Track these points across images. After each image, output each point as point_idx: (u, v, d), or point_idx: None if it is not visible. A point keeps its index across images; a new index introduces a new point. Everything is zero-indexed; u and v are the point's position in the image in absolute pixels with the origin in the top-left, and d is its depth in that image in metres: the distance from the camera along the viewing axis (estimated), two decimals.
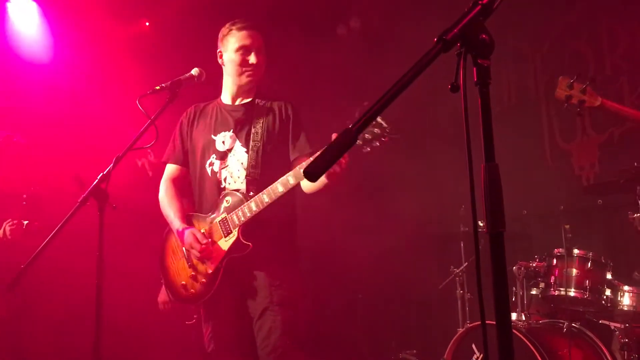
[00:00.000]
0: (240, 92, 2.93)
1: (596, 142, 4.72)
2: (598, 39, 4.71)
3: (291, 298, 2.72)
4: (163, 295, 3.74)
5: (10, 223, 3.59)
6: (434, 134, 5.11)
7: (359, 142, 2.36)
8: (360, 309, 5.09)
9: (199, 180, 2.87)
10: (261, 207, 2.62)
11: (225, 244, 2.71)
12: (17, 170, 3.81)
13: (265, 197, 2.60)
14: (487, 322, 3.38)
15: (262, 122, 2.82)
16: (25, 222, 3.59)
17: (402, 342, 4.94)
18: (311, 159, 2.24)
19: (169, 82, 2.69)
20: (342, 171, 2.42)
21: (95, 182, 2.47)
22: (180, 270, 2.84)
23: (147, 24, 4.94)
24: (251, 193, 2.70)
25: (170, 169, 2.98)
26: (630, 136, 4.50)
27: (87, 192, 2.47)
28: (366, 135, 2.39)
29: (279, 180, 2.58)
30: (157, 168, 4.19)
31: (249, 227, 2.68)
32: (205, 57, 3.09)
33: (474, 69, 1.15)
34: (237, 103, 2.94)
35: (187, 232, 2.74)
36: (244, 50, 2.84)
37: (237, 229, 2.67)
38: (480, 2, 1.13)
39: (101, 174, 2.50)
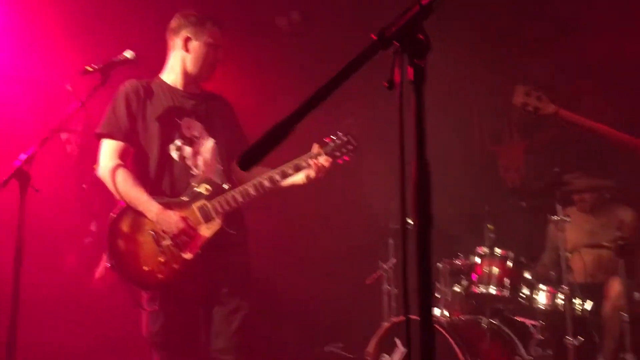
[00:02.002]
0: (193, 81, 2.90)
1: (522, 146, 4.93)
2: (526, 46, 4.91)
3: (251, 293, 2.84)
4: (101, 272, 3.58)
5: None
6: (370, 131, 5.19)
7: (328, 155, 2.77)
8: (287, 302, 5.10)
9: (159, 162, 2.76)
10: (246, 199, 2.72)
11: (206, 230, 2.69)
12: None
13: (252, 190, 2.71)
14: (411, 317, 3.45)
15: (219, 115, 2.91)
16: None
17: (328, 335, 4.99)
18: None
19: (102, 65, 2.60)
20: (324, 174, 2.76)
21: (17, 164, 2.37)
22: (145, 255, 2.67)
23: None
24: (225, 185, 2.76)
25: (117, 146, 2.76)
26: (554, 142, 4.73)
27: (10, 175, 2.36)
28: (335, 152, 2.77)
29: (266, 175, 2.72)
30: (84, 149, 4.03)
31: (227, 216, 2.74)
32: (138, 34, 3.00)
33: (410, 68, 1.16)
34: (188, 90, 2.90)
35: (173, 216, 2.65)
36: (216, 47, 2.87)
37: (220, 217, 2.70)
38: (420, 2, 1.15)
39: (25, 155, 2.40)
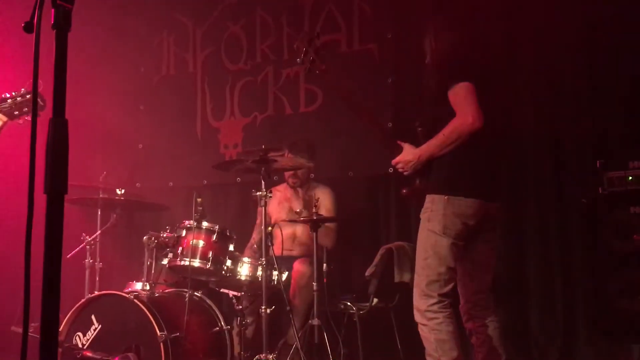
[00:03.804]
0: None
1: (241, 123, 5.05)
2: (252, 27, 5.03)
3: None
4: None
5: None
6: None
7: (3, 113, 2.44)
8: None
9: None
10: None
11: None
12: None
13: None
14: (110, 292, 3.24)
15: None
16: None
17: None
18: None
19: None
20: None
21: None
22: None
23: None
24: None
25: None
26: (271, 121, 4.94)
27: None
28: (14, 110, 2.46)
29: None
30: None
31: None
32: None
33: (52, 10, 1.02)
34: None
35: None
36: None
37: None
38: None
39: None
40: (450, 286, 2.65)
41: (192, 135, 5.20)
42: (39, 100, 2.43)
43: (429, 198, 2.69)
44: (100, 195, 4.03)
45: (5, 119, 2.38)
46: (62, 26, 1.02)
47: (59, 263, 0.98)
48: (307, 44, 2.93)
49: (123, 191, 3.96)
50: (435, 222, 2.63)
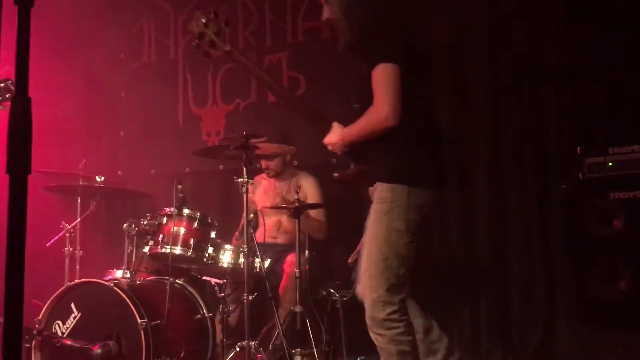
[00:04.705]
0: None
1: (223, 111, 5.00)
2: (234, 14, 4.97)
3: None
4: None
5: None
6: None
7: None
8: None
9: None
10: None
11: None
12: None
13: None
14: (90, 280, 3.19)
15: None
16: None
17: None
18: None
19: None
20: None
21: None
22: None
23: None
24: None
25: None
26: (253, 108, 4.90)
27: None
28: None
29: None
30: None
31: None
32: None
33: None
34: None
35: None
36: None
37: None
38: None
39: None
40: (406, 290, 2.37)
41: (174, 123, 5.15)
42: (10, 86, 2.39)
43: (386, 187, 2.35)
44: (80, 183, 3.98)
45: None
46: (25, 1, 0.98)
47: (23, 243, 0.95)
48: (202, 25, 2.56)
49: (103, 178, 3.90)
50: (395, 215, 2.30)
